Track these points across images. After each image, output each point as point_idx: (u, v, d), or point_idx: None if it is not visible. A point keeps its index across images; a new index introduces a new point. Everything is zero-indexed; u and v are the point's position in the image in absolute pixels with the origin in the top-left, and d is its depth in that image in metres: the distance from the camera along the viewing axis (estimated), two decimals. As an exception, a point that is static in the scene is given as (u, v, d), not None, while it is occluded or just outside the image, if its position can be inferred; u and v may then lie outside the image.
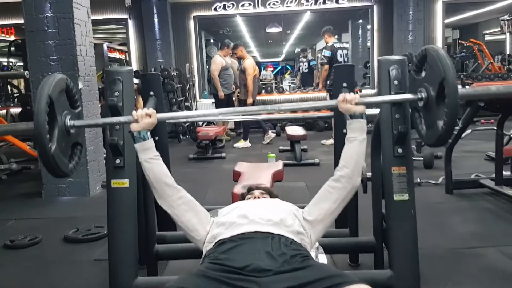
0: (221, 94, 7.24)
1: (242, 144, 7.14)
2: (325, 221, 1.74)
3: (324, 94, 7.51)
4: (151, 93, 2.69)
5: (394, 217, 1.93)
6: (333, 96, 6.49)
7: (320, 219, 1.73)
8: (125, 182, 1.96)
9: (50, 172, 1.64)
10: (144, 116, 1.71)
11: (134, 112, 1.73)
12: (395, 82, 1.94)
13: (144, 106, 2.63)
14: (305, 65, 11.21)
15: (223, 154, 6.29)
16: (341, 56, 6.68)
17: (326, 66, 6.70)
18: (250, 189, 2.15)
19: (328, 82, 6.67)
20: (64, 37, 4.23)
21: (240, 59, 7.52)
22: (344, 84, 2.64)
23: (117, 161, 1.95)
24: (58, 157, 1.61)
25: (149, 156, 1.73)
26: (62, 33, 4.23)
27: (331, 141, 6.77)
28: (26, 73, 4.07)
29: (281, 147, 6.49)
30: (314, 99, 8.92)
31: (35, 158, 5.46)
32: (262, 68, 20.61)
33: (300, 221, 1.71)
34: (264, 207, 1.78)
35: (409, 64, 5.96)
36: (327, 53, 6.69)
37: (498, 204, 3.57)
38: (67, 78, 1.77)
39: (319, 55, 8.51)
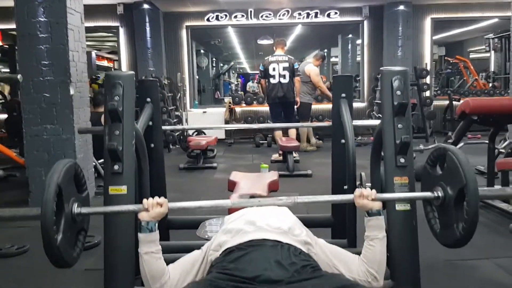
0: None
1: None
2: (333, 268, 1.68)
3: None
4: (148, 99, 2.67)
5: (396, 227, 1.91)
6: (270, 109, 6.32)
7: (330, 259, 1.68)
8: (123, 189, 1.90)
9: (53, 264, 1.56)
10: (155, 205, 1.64)
11: (145, 201, 1.66)
12: (398, 92, 1.94)
13: (141, 113, 2.60)
14: None
15: (215, 164, 6.25)
16: (274, 70, 6.50)
17: (262, 80, 6.72)
18: (252, 197, 2.12)
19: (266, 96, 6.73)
20: (56, 42, 4.17)
21: None
22: (343, 95, 2.66)
23: (116, 167, 1.90)
24: (64, 248, 1.54)
25: (151, 249, 1.66)
26: (54, 38, 4.17)
27: (276, 155, 6.69)
28: (19, 76, 3.98)
29: (273, 158, 6.47)
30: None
31: (21, 166, 5.36)
32: (249, 80, 20.63)
33: (309, 233, 1.68)
34: (272, 214, 1.75)
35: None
36: (260, 67, 6.69)
37: (490, 217, 3.59)
38: (76, 163, 1.71)
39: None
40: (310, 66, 7.38)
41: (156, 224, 1.68)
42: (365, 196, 1.69)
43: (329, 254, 1.69)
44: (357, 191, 1.72)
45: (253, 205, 1.81)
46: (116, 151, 1.87)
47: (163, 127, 2.98)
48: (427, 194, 1.75)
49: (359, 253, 1.75)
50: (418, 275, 1.88)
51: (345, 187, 2.45)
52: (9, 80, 6.74)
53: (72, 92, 4.25)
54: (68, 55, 4.20)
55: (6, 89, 11.55)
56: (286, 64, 6.52)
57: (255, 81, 16.74)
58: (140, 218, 1.65)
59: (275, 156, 6.65)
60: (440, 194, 1.68)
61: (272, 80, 6.51)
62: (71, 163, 1.65)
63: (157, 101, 2.73)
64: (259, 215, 1.71)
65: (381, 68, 2.04)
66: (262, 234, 1.55)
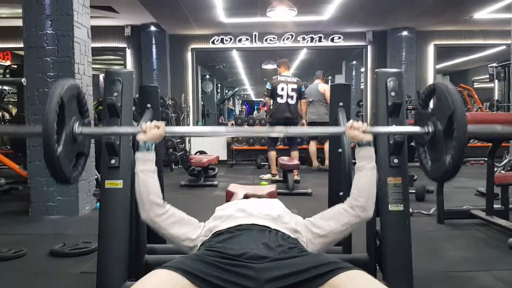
0: None
1: None
2: (327, 238, 1.71)
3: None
4: (148, 105, 2.71)
5: (389, 227, 1.92)
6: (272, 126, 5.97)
7: (323, 234, 1.70)
8: (119, 183, 1.94)
9: (53, 174, 1.59)
10: (152, 128, 1.72)
11: (143, 123, 1.74)
12: (392, 93, 1.97)
13: (141, 118, 2.64)
14: None
15: (215, 182, 6.26)
16: (282, 90, 6.42)
17: (267, 99, 6.68)
18: (246, 196, 2.13)
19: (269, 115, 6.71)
20: (63, 55, 4.26)
21: None
22: (340, 104, 2.69)
23: (113, 161, 1.94)
24: (63, 161, 1.58)
25: (147, 167, 1.71)
26: (61, 51, 4.26)
27: (268, 176, 6.73)
28: (23, 80, 4.07)
29: (265, 177, 6.53)
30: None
31: (24, 180, 5.39)
32: (255, 108, 20.49)
33: (298, 222, 1.69)
34: (262, 204, 1.77)
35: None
36: (267, 85, 6.62)
37: (489, 233, 3.56)
38: (80, 86, 1.78)
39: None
40: (322, 85, 7.53)
41: (153, 145, 1.74)
42: (356, 127, 1.74)
43: (317, 231, 1.69)
44: (349, 122, 1.77)
45: (246, 134, 1.87)
46: (113, 145, 1.91)
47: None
48: (418, 129, 1.80)
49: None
50: (411, 275, 1.88)
51: (341, 193, 2.45)
52: (13, 84, 6.86)
53: (76, 104, 4.30)
54: (74, 67, 4.28)
55: (13, 110, 11.74)
56: (295, 86, 6.50)
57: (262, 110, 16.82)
58: (138, 139, 1.72)
59: (268, 177, 6.69)
60: (430, 129, 1.73)
61: (279, 100, 6.42)
62: (75, 83, 1.72)
63: (157, 107, 2.76)
64: (250, 204, 1.73)
65: (376, 70, 2.08)
66: (251, 220, 1.57)
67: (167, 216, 1.71)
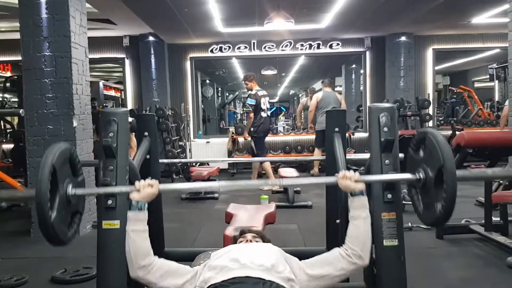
0: None
1: None
2: (322, 282, 1.75)
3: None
4: (146, 133, 2.73)
5: (384, 262, 1.93)
6: (257, 141, 6.39)
7: (318, 277, 1.74)
8: (116, 224, 1.94)
9: (48, 240, 1.61)
10: (146, 186, 1.72)
11: (136, 182, 1.74)
12: (385, 129, 1.98)
13: (138, 146, 2.66)
14: None
15: (216, 195, 6.28)
16: (264, 104, 6.74)
17: (251, 114, 6.76)
18: (242, 232, 2.15)
19: (252, 129, 6.78)
20: (60, 76, 4.29)
21: None
22: (336, 129, 2.71)
23: (109, 201, 1.94)
24: (58, 226, 1.60)
25: (138, 227, 1.72)
26: (59, 72, 4.29)
27: (269, 187, 6.68)
28: (21, 111, 4.10)
29: (273, 189, 6.51)
30: (307, 140, 9.15)
31: (25, 195, 5.41)
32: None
33: (292, 269, 1.71)
34: (256, 251, 1.78)
35: (400, 109, 6.11)
36: (251, 101, 6.73)
37: (487, 250, 3.57)
38: (71, 147, 1.79)
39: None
40: (338, 94, 8.11)
41: (146, 205, 1.74)
42: (348, 177, 1.76)
43: (312, 272, 1.73)
44: (341, 172, 1.79)
45: (239, 188, 1.86)
46: (109, 186, 1.92)
47: (160, 160, 3.02)
48: (410, 176, 1.80)
49: None
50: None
51: (337, 221, 2.46)
52: (12, 115, 6.93)
53: (75, 124, 4.34)
54: (72, 88, 4.31)
55: (15, 120, 11.77)
56: (268, 98, 6.96)
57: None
58: (131, 198, 1.72)
59: (268, 187, 6.67)
60: (421, 176, 1.74)
61: (263, 114, 6.79)
62: (66, 146, 1.72)
63: (155, 135, 2.78)
64: (244, 252, 1.74)
65: (368, 105, 2.10)
66: (246, 272, 1.59)
67: (155, 269, 1.71)
